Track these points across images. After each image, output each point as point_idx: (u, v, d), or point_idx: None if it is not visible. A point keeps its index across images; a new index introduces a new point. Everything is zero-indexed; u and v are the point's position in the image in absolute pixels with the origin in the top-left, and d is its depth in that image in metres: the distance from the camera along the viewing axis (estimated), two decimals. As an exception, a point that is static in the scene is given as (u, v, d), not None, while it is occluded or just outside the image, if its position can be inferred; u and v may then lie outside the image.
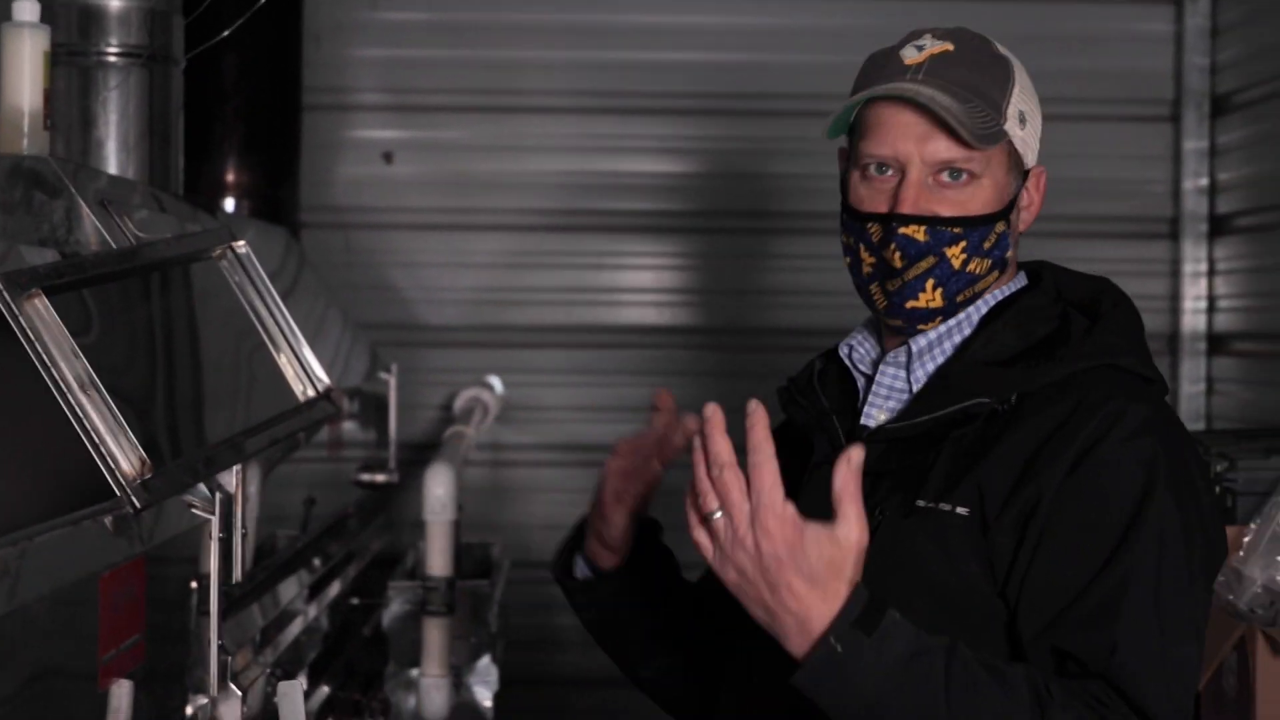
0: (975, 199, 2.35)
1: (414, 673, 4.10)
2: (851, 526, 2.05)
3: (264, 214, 4.53)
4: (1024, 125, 2.39)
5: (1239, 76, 5.28)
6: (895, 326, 2.42)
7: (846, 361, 2.50)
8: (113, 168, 3.22)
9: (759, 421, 2.06)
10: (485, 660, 4.17)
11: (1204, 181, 5.47)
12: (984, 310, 2.42)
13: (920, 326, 2.39)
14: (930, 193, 2.34)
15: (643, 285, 5.60)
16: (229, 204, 4.52)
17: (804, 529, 2.04)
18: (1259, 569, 3.56)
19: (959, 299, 2.38)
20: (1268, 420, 4.63)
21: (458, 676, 4.11)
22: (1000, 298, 2.44)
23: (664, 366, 5.52)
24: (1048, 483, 2.24)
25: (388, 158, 5.50)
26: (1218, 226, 5.43)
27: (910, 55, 2.38)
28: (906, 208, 2.33)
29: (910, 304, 2.37)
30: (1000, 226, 2.37)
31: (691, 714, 2.68)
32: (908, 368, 2.42)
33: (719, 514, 2.06)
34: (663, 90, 5.52)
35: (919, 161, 2.34)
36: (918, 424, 2.34)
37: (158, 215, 2.99)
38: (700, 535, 2.08)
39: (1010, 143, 2.38)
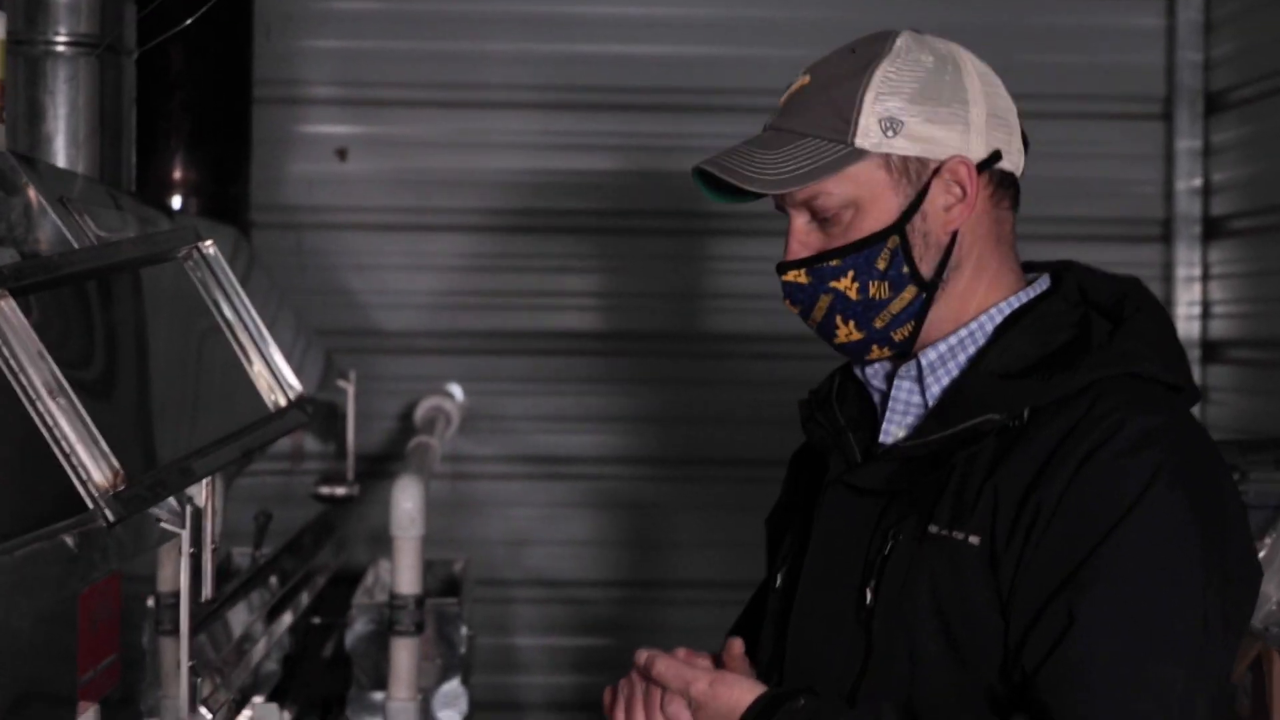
0: (859, 226, 2.30)
1: (378, 696, 3.96)
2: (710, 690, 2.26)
3: (212, 212, 4.37)
4: (895, 132, 2.28)
5: (1233, 73, 5.18)
6: (863, 360, 2.41)
7: (860, 376, 2.45)
8: (61, 164, 3.09)
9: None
10: (454, 683, 4.04)
11: (1197, 182, 5.35)
12: (998, 319, 2.35)
13: (868, 357, 2.37)
14: (818, 233, 2.32)
15: (610, 290, 5.43)
16: (176, 202, 4.37)
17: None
18: (1275, 585, 3.43)
19: (877, 325, 2.33)
20: (1266, 430, 4.50)
21: (425, 700, 3.97)
22: (1016, 305, 2.36)
23: (632, 374, 5.39)
24: (1045, 500, 2.17)
25: (341, 154, 5.34)
26: (1212, 229, 5.31)
27: (786, 94, 2.41)
28: (786, 256, 2.34)
29: (837, 341, 2.36)
30: (892, 242, 2.30)
31: None
32: (920, 381, 2.36)
33: None
34: (630, 85, 5.38)
35: (799, 206, 2.33)
36: (929, 442, 2.28)
37: (115, 214, 2.91)
38: None
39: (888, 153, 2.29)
